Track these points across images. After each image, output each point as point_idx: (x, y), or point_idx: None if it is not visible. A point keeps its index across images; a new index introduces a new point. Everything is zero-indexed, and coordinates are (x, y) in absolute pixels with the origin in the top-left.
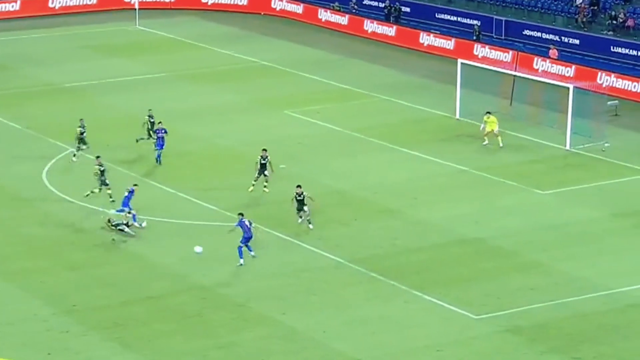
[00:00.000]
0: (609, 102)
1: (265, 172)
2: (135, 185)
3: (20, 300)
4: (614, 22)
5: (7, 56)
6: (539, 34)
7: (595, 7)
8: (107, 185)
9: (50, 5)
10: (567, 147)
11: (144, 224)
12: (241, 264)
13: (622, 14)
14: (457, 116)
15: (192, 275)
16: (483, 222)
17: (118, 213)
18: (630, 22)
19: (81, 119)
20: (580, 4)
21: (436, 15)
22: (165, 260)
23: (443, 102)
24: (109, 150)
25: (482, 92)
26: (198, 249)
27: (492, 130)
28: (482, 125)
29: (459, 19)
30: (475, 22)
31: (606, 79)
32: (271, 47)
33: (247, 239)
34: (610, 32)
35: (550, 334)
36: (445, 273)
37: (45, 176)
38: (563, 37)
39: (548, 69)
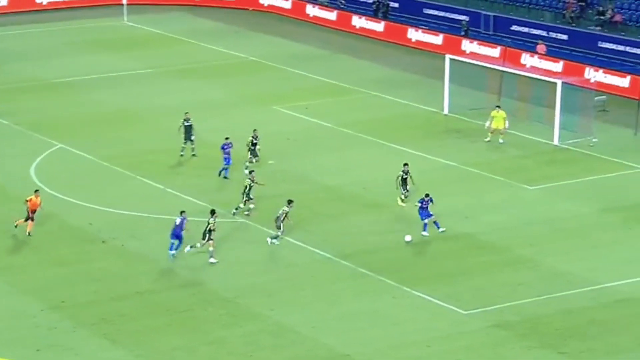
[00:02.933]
0: (596, 98)
1: (257, 154)
2: (183, 212)
3: (8, 296)
4: (602, 17)
5: None
6: (526, 30)
7: (583, 3)
8: (250, 199)
9: (37, 1)
10: (556, 143)
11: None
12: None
13: (609, 9)
14: (446, 111)
15: (181, 271)
16: (472, 217)
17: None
18: (617, 18)
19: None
20: None
21: (424, 11)
22: (154, 255)
23: (431, 98)
24: (97, 146)
25: (470, 88)
26: (408, 237)
27: (499, 127)
28: (488, 123)
29: (447, 14)
30: (463, 17)
31: (594, 75)
32: (259, 43)
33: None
34: (598, 28)
35: (539, 329)
36: (434, 268)
37: (34, 172)
38: (551, 33)
39: (536, 64)
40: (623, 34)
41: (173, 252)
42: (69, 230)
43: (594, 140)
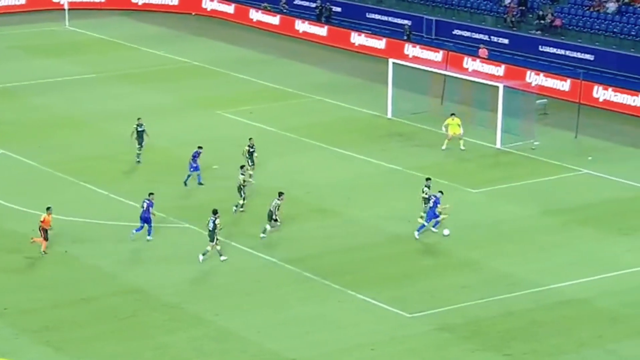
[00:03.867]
0: (537, 101)
1: (254, 162)
2: (151, 194)
3: None
4: (542, 21)
5: None
6: (468, 34)
7: (524, 7)
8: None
9: None
10: (498, 146)
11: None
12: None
13: (549, 13)
14: (389, 115)
15: (125, 277)
16: (415, 220)
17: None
18: (557, 22)
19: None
20: (509, 3)
21: (367, 15)
22: (98, 262)
23: (375, 102)
24: (40, 152)
25: (413, 92)
26: (446, 231)
27: (455, 133)
28: (445, 130)
29: (389, 18)
30: (406, 22)
31: (535, 78)
32: (202, 47)
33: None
34: (539, 32)
35: (482, 332)
36: (379, 272)
37: None
38: (492, 37)
39: (478, 68)
40: (563, 37)
41: (135, 232)
42: (12, 236)
43: (535, 143)
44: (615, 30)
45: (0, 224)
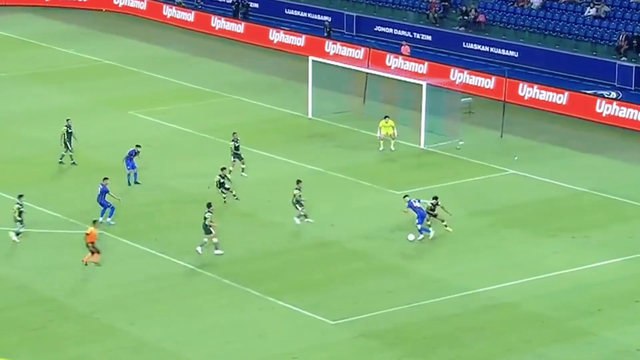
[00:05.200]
0: (462, 100)
1: (242, 156)
2: (106, 178)
3: None
4: (466, 17)
5: None
6: (390, 30)
7: (447, 3)
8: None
9: None
10: (422, 146)
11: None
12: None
13: (473, 9)
14: (309, 115)
15: (35, 286)
16: (338, 224)
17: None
18: (481, 18)
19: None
20: None
21: (286, 11)
22: (3, 270)
23: (294, 101)
24: None
25: (335, 90)
26: (410, 237)
27: (388, 134)
28: (379, 132)
29: (309, 15)
30: (326, 18)
31: (459, 76)
32: (114, 45)
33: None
34: (462, 28)
35: (407, 338)
36: (301, 278)
37: None
38: (415, 33)
39: (401, 65)
40: (487, 34)
41: (101, 219)
42: None
43: (460, 142)
44: (540, 26)
45: None
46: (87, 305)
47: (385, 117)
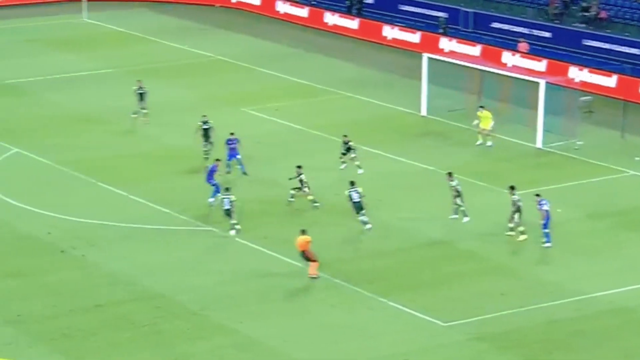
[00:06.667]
0: (581, 98)
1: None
2: (217, 160)
3: None
4: (586, 14)
5: None
6: (508, 27)
7: None
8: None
9: None
10: (539, 146)
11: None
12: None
13: (594, 5)
14: (423, 113)
15: (144, 282)
16: (450, 223)
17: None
18: (602, 14)
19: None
20: None
21: (400, 7)
22: (116, 266)
23: (408, 98)
24: (54, 150)
25: (449, 88)
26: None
27: (485, 128)
28: (476, 121)
29: (424, 10)
30: (441, 14)
31: (578, 74)
32: (227, 41)
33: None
34: (583, 25)
35: (521, 341)
36: (412, 278)
37: None
38: (533, 30)
39: (518, 63)
40: (609, 31)
41: (211, 199)
42: (26, 239)
43: (578, 143)
44: None
45: (14, 226)
46: (196, 302)
47: (480, 107)
